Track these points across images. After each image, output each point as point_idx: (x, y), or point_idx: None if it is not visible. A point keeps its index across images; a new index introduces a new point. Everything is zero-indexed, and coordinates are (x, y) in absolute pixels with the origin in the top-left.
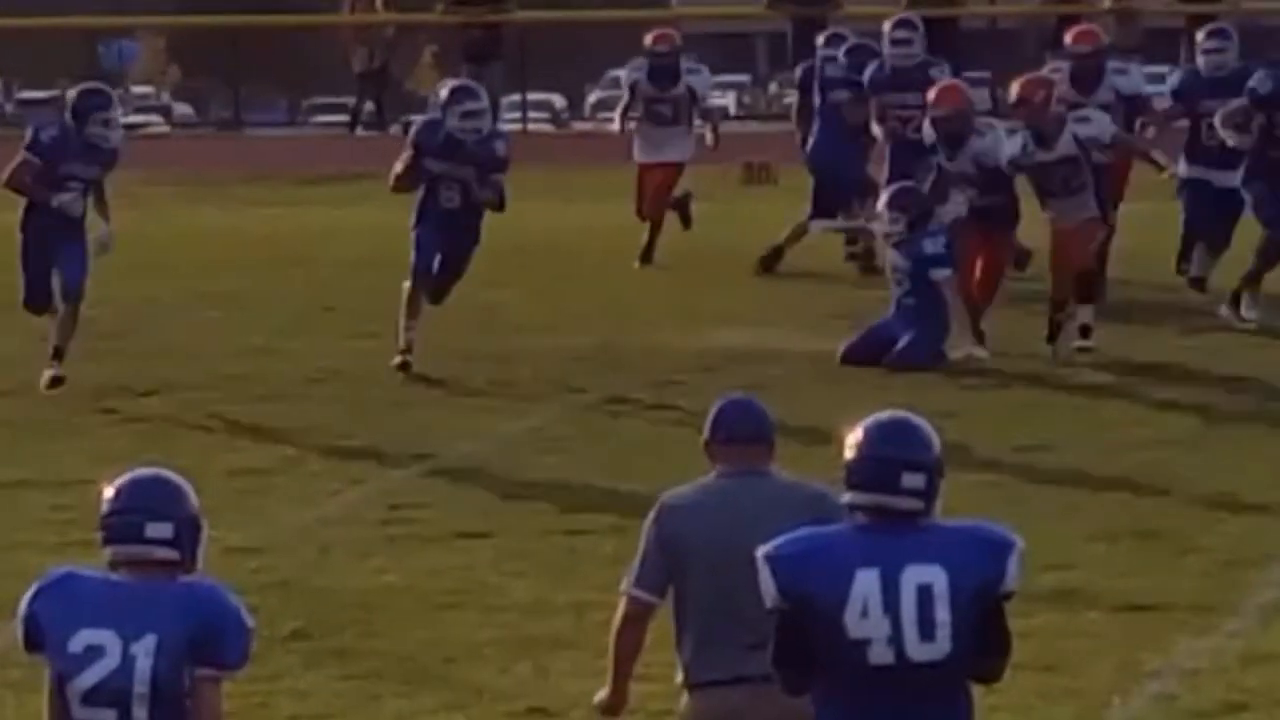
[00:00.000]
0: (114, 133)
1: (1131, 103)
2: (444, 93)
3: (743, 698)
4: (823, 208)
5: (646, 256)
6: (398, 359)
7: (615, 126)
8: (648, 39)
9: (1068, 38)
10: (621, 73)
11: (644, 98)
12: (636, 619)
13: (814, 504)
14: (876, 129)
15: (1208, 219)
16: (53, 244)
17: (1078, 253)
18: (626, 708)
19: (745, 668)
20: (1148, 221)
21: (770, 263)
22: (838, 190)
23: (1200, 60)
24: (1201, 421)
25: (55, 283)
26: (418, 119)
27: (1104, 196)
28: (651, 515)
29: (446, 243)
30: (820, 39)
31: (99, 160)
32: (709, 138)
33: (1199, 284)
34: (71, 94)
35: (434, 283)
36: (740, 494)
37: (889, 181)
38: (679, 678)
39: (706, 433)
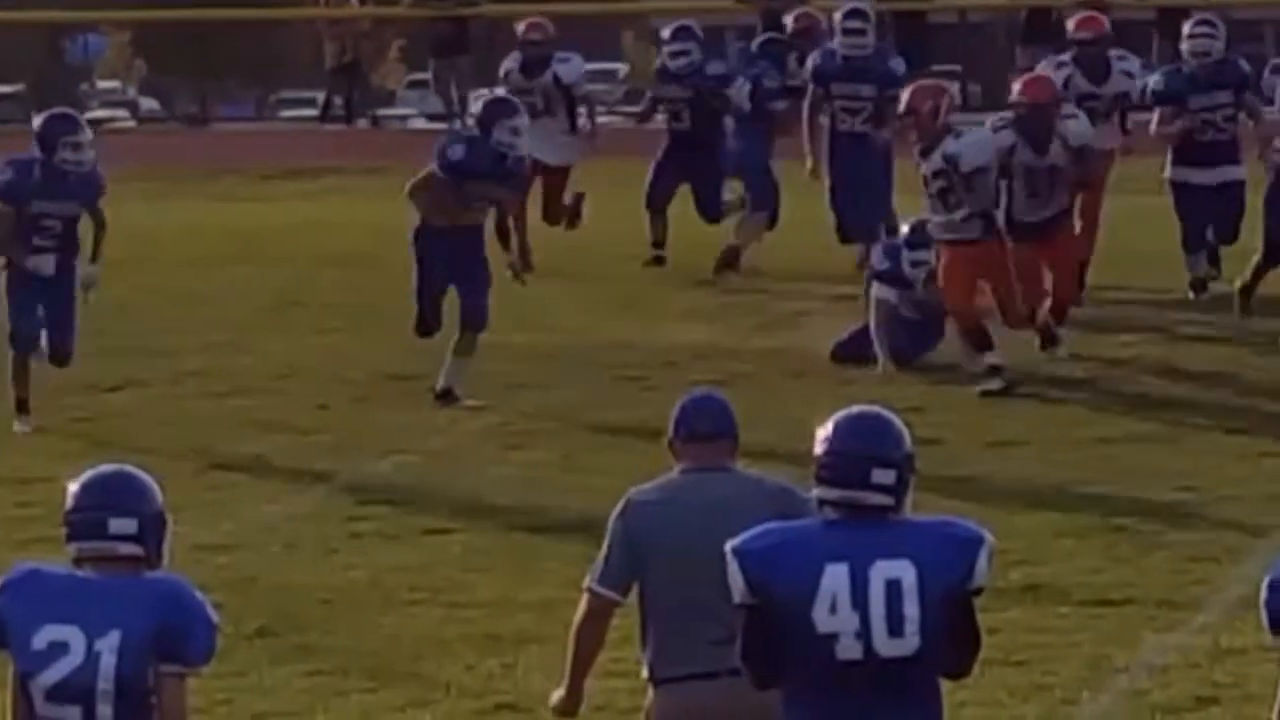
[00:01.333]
0: (86, 156)
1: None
2: (481, 107)
3: (709, 693)
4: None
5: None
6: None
7: None
8: (520, 27)
9: (1070, 24)
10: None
11: (514, 88)
12: (598, 615)
13: (778, 498)
14: (808, 120)
15: (1205, 219)
16: (38, 295)
17: (1066, 288)
18: (592, 704)
19: (711, 663)
20: (1118, 218)
21: (727, 263)
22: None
23: (1185, 47)
24: (1170, 418)
25: (43, 339)
26: (450, 140)
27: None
28: (617, 511)
29: (456, 270)
30: (755, 45)
31: (75, 193)
32: (585, 124)
33: (1201, 286)
34: (37, 123)
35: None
36: (705, 490)
37: (833, 174)
38: (644, 673)
39: (670, 430)
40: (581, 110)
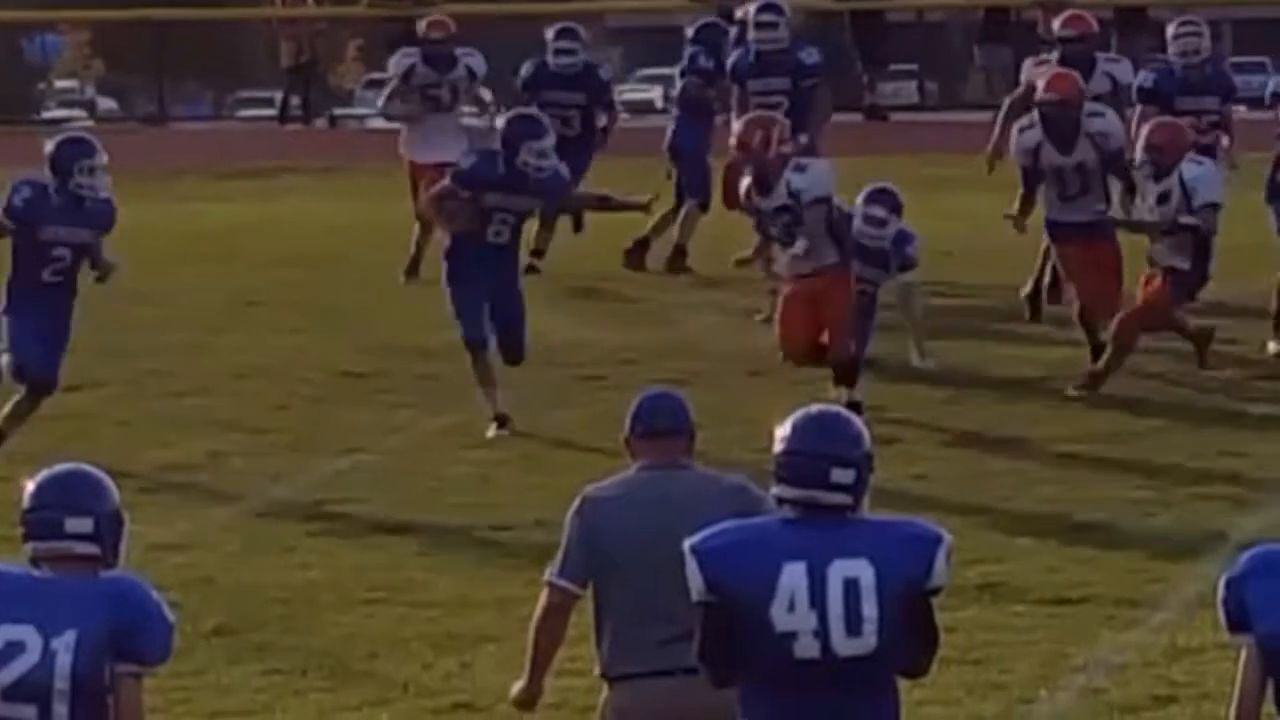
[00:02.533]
0: (101, 181)
1: (1125, 93)
2: (505, 122)
3: (665, 691)
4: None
5: (413, 269)
6: (492, 429)
7: (379, 107)
8: (421, 25)
9: (1055, 23)
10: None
11: (420, 84)
12: (558, 609)
13: (735, 496)
14: (736, 121)
15: None
16: (38, 318)
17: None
18: (548, 702)
19: (668, 660)
20: None
21: (676, 260)
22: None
23: (1172, 48)
24: (1127, 416)
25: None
26: (470, 157)
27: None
28: (574, 507)
29: (497, 292)
30: (692, 30)
31: (87, 220)
32: (485, 121)
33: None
34: (49, 147)
35: (506, 346)
36: (662, 487)
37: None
38: (597, 670)
39: (626, 427)
40: (489, 106)
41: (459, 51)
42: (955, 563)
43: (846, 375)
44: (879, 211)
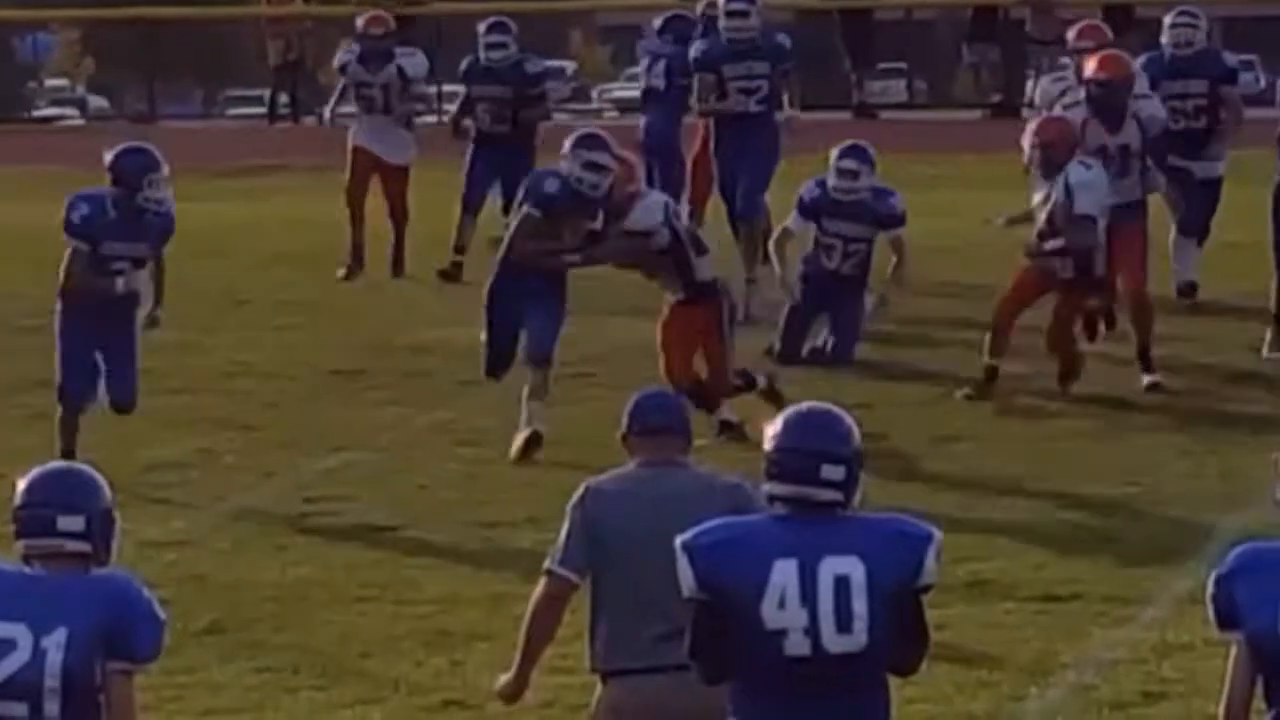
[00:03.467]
0: (165, 193)
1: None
2: (569, 144)
3: (659, 687)
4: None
5: (397, 268)
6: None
7: (327, 115)
8: (359, 21)
9: (1070, 34)
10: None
11: (354, 81)
12: (557, 597)
13: (731, 495)
14: (700, 107)
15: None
16: (99, 339)
17: (1135, 277)
18: (539, 700)
19: (662, 657)
20: None
21: None
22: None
23: (1166, 37)
24: (1117, 413)
25: (101, 388)
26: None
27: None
28: (576, 497)
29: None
30: (657, 23)
31: (149, 234)
32: (413, 121)
33: (1190, 289)
34: (109, 156)
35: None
36: (661, 484)
37: (720, 159)
38: (588, 664)
39: (624, 424)
40: (420, 107)
41: (397, 51)
42: (944, 560)
43: (708, 401)
44: (849, 164)
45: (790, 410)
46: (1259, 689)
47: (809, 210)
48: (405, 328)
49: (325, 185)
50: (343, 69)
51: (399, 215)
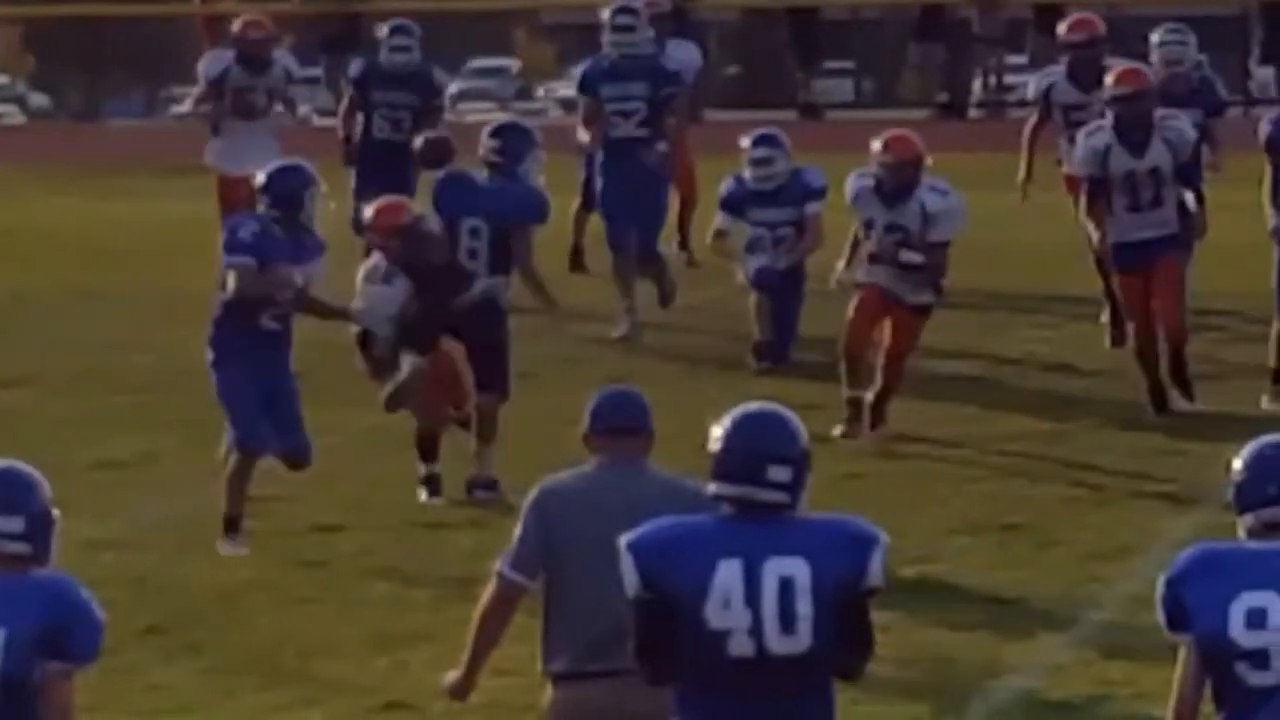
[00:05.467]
0: (319, 211)
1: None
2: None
3: (609, 691)
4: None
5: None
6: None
7: (184, 109)
8: (235, 25)
9: (1061, 28)
10: (201, 65)
11: (234, 87)
12: (506, 600)
13: (691, 500)
14: (584, 132)
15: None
16: (261, 382)
17: (1173, 313)
18: (482, 701)
19: (614, 661)
20: (1004, 217)
21: (575, 261)
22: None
23: (1155, 56)
24: (1063, 415)
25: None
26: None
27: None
28: (530, 498)
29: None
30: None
31: (309, 255)
32: (292, 118)
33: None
34: (260, 177)
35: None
36: (621, 487)
37: (605, 184)
38: (539, 667)
39: (585, 423)
40: (301, 108)
41: (276, 53)
42: (890, 561)
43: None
44: (762, 153)
45: (738, 410)
46: (1207, 691)
47: (732, 206)
48: (348, 328)
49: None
50: (222, 75)
51: None
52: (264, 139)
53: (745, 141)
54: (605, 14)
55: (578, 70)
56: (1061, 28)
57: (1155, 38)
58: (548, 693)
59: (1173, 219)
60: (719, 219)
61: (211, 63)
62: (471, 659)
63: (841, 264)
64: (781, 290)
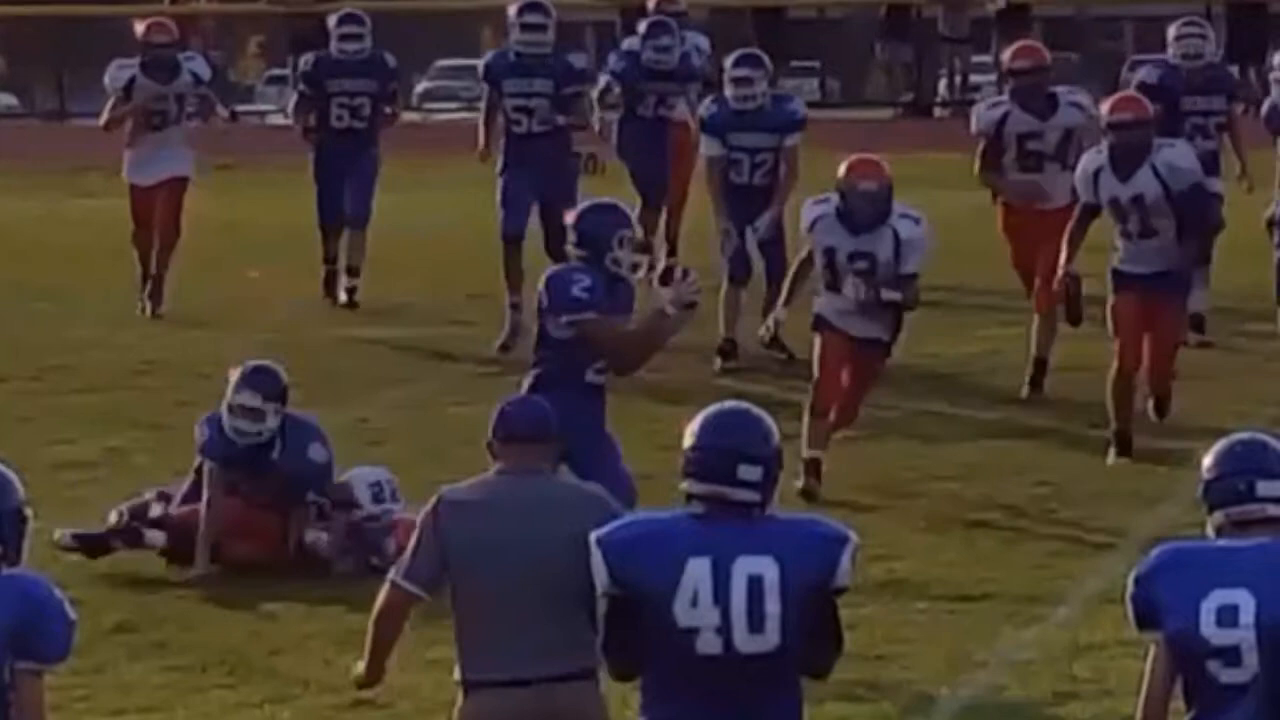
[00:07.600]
0: (632, 256)
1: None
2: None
3: (519, 701)
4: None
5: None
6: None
7: (102, 121)
8: (140, 28)
9: (1005, 55)
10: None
11: (149, 96)
12: (396, 607)
13: (592, 506)
14: (483, 123)
15: None
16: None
17: (1161, 364)
18: (445, 698)
19: (523, 670)
20: (974, 217)
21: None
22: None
23: (1173, 50)
24: (1029, 413)
25: None
26: None
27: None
28: (429, 508)
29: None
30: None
31: (626, 304)
32: (216, 122)
33: (1198, 325)
34: (570, 218)
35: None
36: (521, 493)
37: (507, 178)
38: (456, 676)
39: (489, 430)
40: (223, 110)
41: (182, 57)
42: (857, 560)
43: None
44: (743, 71)
45: (709, 409)
46: (1176, 689)
47: (714, 129)
48: (317, 326)
49: (236, 182)
50: (129, 85)
51: (168, 233)
52: (176, 147)
53: (727, 61)
54: (511, 12)
55: (483, 61)
56: (1006, 55)
57: (1172, 32)
58: (458, 701)
59: (1170, 253)
60: (704, 144)
61: (118, 72)
62: (371, 656)
63: (780, 302)
64: (760, 209)
